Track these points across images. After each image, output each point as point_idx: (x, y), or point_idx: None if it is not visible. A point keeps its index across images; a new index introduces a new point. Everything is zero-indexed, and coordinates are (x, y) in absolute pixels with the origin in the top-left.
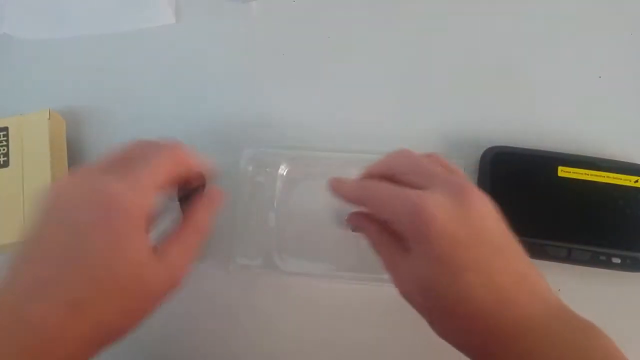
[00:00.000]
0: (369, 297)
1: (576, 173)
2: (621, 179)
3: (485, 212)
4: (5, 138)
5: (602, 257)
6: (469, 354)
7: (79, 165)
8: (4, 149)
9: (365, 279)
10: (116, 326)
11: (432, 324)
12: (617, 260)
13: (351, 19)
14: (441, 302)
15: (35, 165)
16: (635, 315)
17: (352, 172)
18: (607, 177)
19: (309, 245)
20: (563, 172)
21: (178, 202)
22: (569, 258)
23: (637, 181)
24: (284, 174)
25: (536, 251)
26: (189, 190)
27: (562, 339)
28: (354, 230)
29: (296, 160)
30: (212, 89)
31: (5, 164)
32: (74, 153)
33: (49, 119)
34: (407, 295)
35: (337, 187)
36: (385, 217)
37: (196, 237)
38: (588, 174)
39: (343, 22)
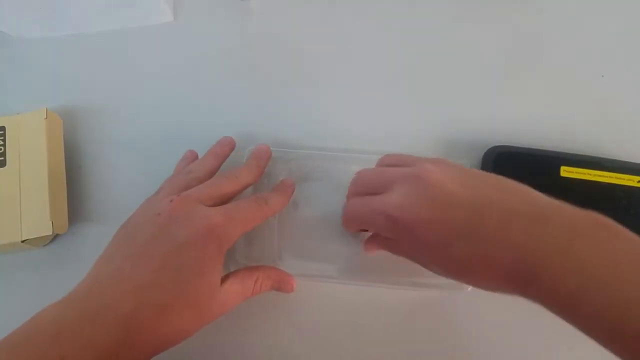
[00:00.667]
0: (371, 301)
1: (579, 173)
2: (624, 179)
3: (442, 180)
4: (2, 137)
5: None
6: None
7: (76, 165)
8: (0, 149)
9: (367, 281)
10: (181, 335)
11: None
12: None
13: (351, 18)
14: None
15: (32, 164)
16: None
17: (354, 171)
18: (610, 177)
19: (311, 246)
20: (566, 172)
21: None
22: None
23: (639, 181)
24: (287, 174)
25: None
26: None
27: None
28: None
29: (298, 161)
30: (211, 88)
31: (2, 163)
32: (71, 152)
33: (46, 118)
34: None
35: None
36: (370, 229)
37: (251, 291)
38: (591, 174)
39: (343, 21)
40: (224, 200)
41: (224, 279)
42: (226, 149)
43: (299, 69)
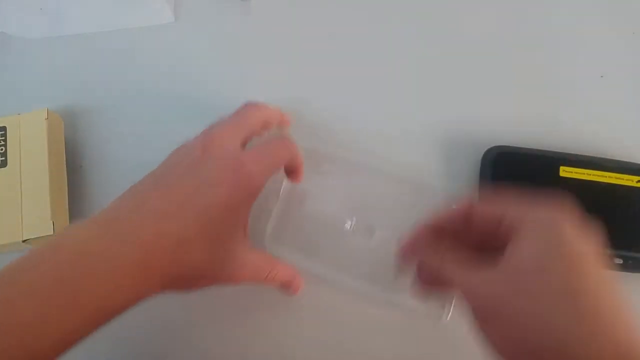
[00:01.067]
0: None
1: (578, 173)
2: (623, 179)
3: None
4: (2, 138)
5: None
6: None
7: (77, 165)
8: (1, 149)
9: (360, 286)
10: (194, 275)
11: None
12: (619, 261)
13: (351, 17)
14: (558, 288)
15: (33, 165)
16: (637, 315)
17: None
18: (610, 177)
19: (306, 241)
20: (565, 172)
21: None
22: None
23: (639, 181)
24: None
25: None
26: None
27: None
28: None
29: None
30: (211, 87)
31: (3, 163)
32: (72, 153)
33: (47, 118)
34: (481, 311)
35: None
36: (506, 213)
37: (262, 278)
38: (590, 174)
39: (343, 20)
40: (250, 137)
41: (251, 248)
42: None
43: (298, 68)
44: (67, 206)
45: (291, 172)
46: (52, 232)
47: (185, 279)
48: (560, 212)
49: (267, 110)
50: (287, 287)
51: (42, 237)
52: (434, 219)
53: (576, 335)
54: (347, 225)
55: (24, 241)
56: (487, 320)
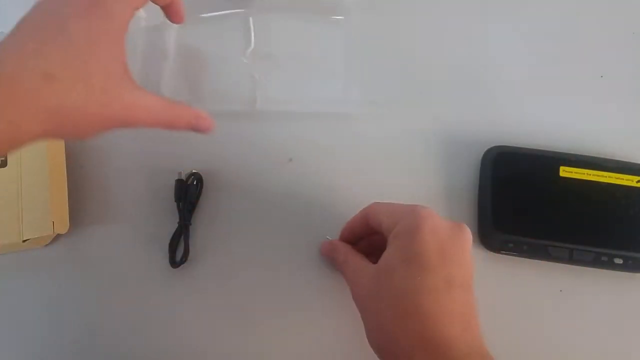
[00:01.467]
0: None
1: (578, 173)
2: (623, 179)
3: (469, 251)
4: None
5: (604, 258)
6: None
7: (77, 165)
8: None
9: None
10: (76, 115)
11: (374, 321)
12: (619, 261)
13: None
14: (395, 293)
15: (33, 165)
16: (637, 315)
17: None
18: (610, 177)
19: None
20: (565, 172)
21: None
22: (571, 259)
23: (639, 181)
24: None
25: (538, 252)
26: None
27: None
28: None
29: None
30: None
31: (3, 164)
32: (72, 152)
33: None
34: (361, 294)
35: (345, 228)
36: (382, 219)
37: (162, 117)
38: (590, 174)
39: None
40: None
41: (142, 90)
42: None
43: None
44: (67, 206)
45: (167, 8)
46: (51, 232)
47: (68, 120)
48: (420, 219)
49: None
50: (195, 126)
51: (42, 237)
52: (348, 226)
53: (400, 332)
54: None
55: (24, 241)
56: (361, 313)
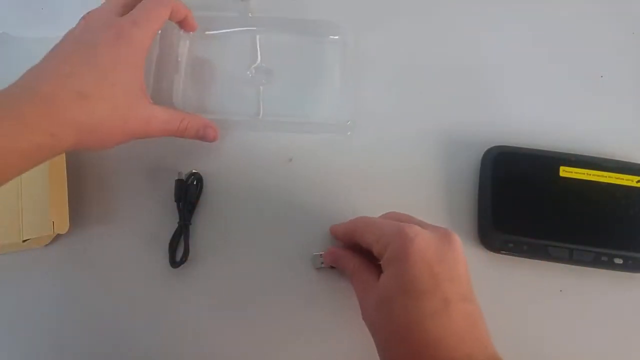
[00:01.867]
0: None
1: (578, 173)
2: (623, 179)
3: (462, 261)
4: None
5: (604, 258)
6: None
7: (77, 165)
8: None
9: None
10: (102, 129)
11: (384, 350)
12: (619, 261)
13: (351, 17)
14: (398, 323)
15: None
16: (637, 315)
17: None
18: (609, 177)
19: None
20: (565, 172)
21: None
22: (570, 259)
23: (639, 181)
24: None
25: (538, 252)
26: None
27: None
28: (329, 265)
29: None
30: (210, 85)
31: None
32: (72, 152)
33: None
34: (369, 319)
35: (335, 229)
36: (371, 239)
37: (176, 127)
38: (590, 174)
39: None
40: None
41: (155, 105)
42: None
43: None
44: (67, 206)
45: (181, 23)
46: (51, 232)
47: (96, 133)
48: (406, 243)
49: None
50: (202, 136)
51: (42, 236)
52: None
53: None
54: (249, 73)
55: (24, 241)
56: (371, 334)
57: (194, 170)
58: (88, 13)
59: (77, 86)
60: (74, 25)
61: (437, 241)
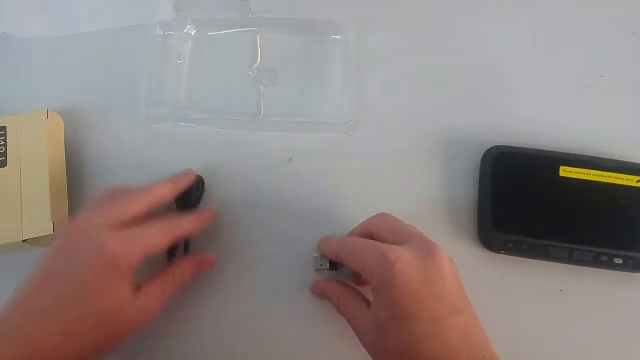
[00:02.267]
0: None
1: (578, 173)
2: (623, 179)
3: (449, 274)
4: (3, 138)
5: (604, 258)
6: None
7: (77, 165)
8: (1, 149)
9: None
10: (97, 350)
11: None
12: (619, 261)
13: (353, 17)
14: (393, 347)
15: (33, 165)
16: (637, 315)
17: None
18: (609, 177)
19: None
20: (565, 172)
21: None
22: (570, 259)
23: (639, 181)
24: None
25: (538, 252)
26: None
27: None
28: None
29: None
30: (211, 85)
31: (3, 163)
32: (72, 153)
33: (47, 118)
34: (366, 343)
35: (323, 246)
36: (357, 267)
37: (173, 287)
38: (590, 174)
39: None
40: (137, 219)
41: (139, 288)
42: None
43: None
44: (67, 206)
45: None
46: (52, 232)
47: (86, 357)
48: (389, 269)
49: (150, 196)
50: (201, 270)
51: (42, 237)
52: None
53: None
54: (251, 73)
55: (24, 241)
56: (372, 345)
57: (197, 174)
58: (74, 225)
59: (62, 325)
60: (74, 25)
61: (420, 260)
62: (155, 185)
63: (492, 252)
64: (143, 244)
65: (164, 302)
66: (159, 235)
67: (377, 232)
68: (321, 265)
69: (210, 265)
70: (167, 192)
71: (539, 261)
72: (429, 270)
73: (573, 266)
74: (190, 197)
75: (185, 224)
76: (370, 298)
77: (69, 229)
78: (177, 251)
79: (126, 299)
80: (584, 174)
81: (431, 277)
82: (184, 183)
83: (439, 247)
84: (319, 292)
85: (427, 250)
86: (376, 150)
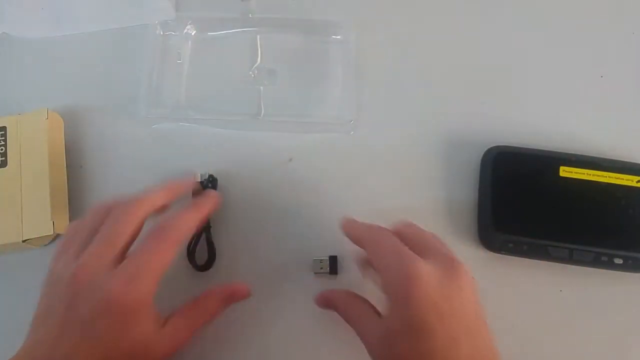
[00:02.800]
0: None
1: (578, 173)
2: (623, 179)
3: (469, 294)
4: (3, 137)
5: (604, 258)
6: None
7: (77, 165)
8: (1, 149)
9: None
10: None
11: None
12: (619, 261)
13: (353, 17)
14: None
15: (33, 165)
16: (637, 315)
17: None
18: (609, 177)
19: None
20: (565, 172)
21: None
22: (570, 259)
23: (639, 181)
24: (192, 34)
25: (538, 252)
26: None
27: None
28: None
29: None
30: (211, 85)
31: (3, 163)
32: (72, 153)
33: (47, 118)
34: (373, 352)
35: (347, 226)
36: (376, 263)
37: (202, 319)
38: (590, 174)
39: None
40: (134, 237)
41: (165, 320)
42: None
43: (294, 68)
44: (67, 206)
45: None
46: (52, 232)
47: None
48: (409, 283)
49: (142, 210)
50: (234, 301)
51: (42, 237)
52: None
53: None
54: (251, 73)
55: (24, 241)
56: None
57: (209, 173)
58: (75, 274)
59: None
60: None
61: (441, 276)
62: (147, 194)
63: (492, 252)
64: (150, 270)
65: (192, 335)
66: (163, 251)
67: (403, 238)
68: (321, 268)
69: (245, 296)
70: (159, 202)
71: (539, 261)
72: (450, 288)
73: (573, 266)
74: None
75: (179, 223)
76: (378, 307)
77: (68, 277)
78: (197, 243)
79: (149, 336)
80: (584, 174)
81: (451, 294)
82: (181, 189)
83: (462, 264)
84: (324, 302)
85: (450, 267)
86: (376, 150)
